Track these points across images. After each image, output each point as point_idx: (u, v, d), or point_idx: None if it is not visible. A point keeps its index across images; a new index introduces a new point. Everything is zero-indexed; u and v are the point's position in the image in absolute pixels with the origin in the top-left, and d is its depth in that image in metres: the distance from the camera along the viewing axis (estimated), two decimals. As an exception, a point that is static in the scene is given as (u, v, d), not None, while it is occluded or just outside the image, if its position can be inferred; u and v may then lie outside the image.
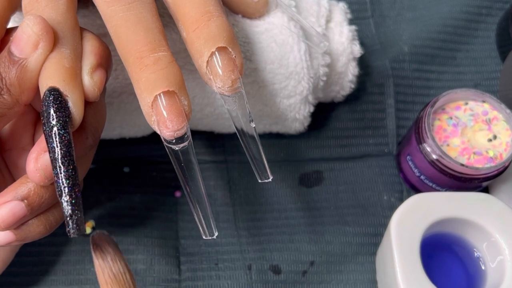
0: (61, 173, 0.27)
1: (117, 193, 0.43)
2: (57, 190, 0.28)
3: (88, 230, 0.42)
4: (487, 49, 0.50)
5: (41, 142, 0.29)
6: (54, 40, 0.28)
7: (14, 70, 0.28)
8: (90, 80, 0.29)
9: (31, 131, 0.35)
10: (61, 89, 0.28)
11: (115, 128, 0.41)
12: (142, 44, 0.28)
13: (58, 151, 0.27)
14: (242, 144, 0.31)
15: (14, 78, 0.28)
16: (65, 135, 0.28)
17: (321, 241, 0.42)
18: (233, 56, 0.29)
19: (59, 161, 0.27)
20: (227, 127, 0.42)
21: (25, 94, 0.29)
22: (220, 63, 0.29)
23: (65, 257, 0.41)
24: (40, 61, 0.28)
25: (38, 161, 0.28)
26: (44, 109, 0.27)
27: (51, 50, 0.28)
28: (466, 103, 0.41)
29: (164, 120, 0.28)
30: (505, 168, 0.39)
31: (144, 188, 0.44)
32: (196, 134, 0.44)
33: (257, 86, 0.38)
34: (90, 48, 0.30)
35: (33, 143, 0.35)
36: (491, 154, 0.40)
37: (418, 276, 0.35)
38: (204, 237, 0.30)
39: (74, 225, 0.27)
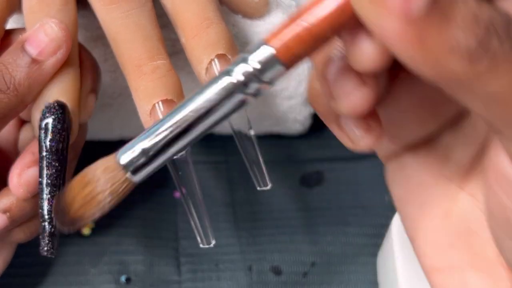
0: (51, 194, 0.28)
1: (117, 193, 0.43)
2: (39, 206, 0.28)
3: (88, 230, 0.41)
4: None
5: (24, 157, 0.29)
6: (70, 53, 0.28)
7: (25, 70, 0.28)
8: (83, 106, 0.29)
9: (15, 136, 0.34)
10: (70, 109, 0.28)
11: (114, 129, 0.41)
12: (140, 52, 0.28)
13: (54, 170, 0.28)
14: (241, 151, 0.31)
15: (25, 78, 0.28)
16: (66, 155, 0.28)
17: (322, 242, 0.42)
18: None
19: (52, 180, 0.28)
20: (227, 128, 0.42)
21: (31, 95, 0.29)
22: (219, 70, 0.29)
23: (64, 258, 0.41)
24: (56, 66, 0.28)
25: (22, 177, 0.29)
26: (51, 122, 0.27)
27: (67, 62, 0.28)
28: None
29: None
30: (508, 169, 0.39)
31: (144, 188, 0.44)
32: (196, 134, 0.44)
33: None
34: (86, 71, 0.30)
35: (15, 148, 0.35)
36: (493, 154, 0.39)
37: (420, 277, 0.35)
38: (201, 246, 0.30)
39: (49, 245, 0.28)
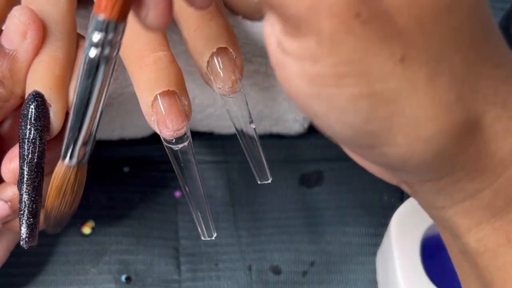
0: (27, 183, 0.28)
1: (117, 193, 0.43)
2: (19, 195, 0.28)
3: (88, 230, 0.42)
4: (488, 49, 0.49)
5: (17, 146, 0.29)
6: (46, 34, 0.28)
7: (5, 62, 0.28)
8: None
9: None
10: (46, 97, 0.28)
11: (115, 129, 0.41)
12: (142, 43, 0.28)
13: (28, 160, 0.28)
14: (242, 145, 0.31)
15: (6, 70, 0.28)
16: (40, 145, 0.28)
17: (321, 242, 0.42)
18: (234, 56, 0.29)
19: (28, 171, 0.28)
20: (227, 128, 0.42)
21: (19, 86, 0.29)
22: (220, 64, 0.29)
23: (64, 258, 0.41)
24: (30, 51, 0.28)
25: (11, 163, 0.29)
26: (24, 112, 0.27)
27: (42, 43, 0.28)
28: (467, 103, 0.41)
29: (164, 120, 0.28)
30: (506, 169, 0.39)
31: (144, 188, 0.44)
32: (196, 134, 0.44)
33: (258, 88, 0.38)
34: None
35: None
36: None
37: (418, 277, 0.35)
38: (202, 238, 0.30)
39: (28, 237, 0.28)
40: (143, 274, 0.40)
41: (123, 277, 0.40)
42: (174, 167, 0.30)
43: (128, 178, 0.44)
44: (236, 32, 0.36)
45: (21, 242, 0.29)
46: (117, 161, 0.44)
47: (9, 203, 0.31)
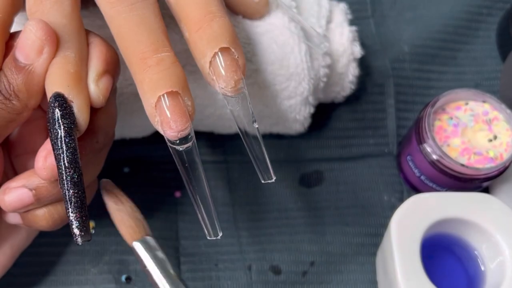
0: (66, 180, 0.28)
1: (117, 193, 0.43)
2: (62, 195, 0.28)
3: (88, 230, 0.41)
4: (488, 49, 0.50)
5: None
6: (59, 43, 0.29)
7: (20, 76, 0.28)
8: (96, 87, 0.29)
9: (44, 136, 0.35)
10: (66, 95, 0.28)
11: (115, 129, 0.41)
12: (145, 44, 0.28)
13: (64, 158, 0.28)
14: (245, 145, 0.31)
15: (22, 84, 0.28)
16: (70, 142, 0.28)
17: (321, 242, 0.42)
18: (236, 56, 0.29)
19: (65, 169, 0.28)
20: (227, 128, 0.42)
21: (33, 99, 0.29)
22: (223, 64, 0.29)
23: (65, 258, 0.41)
24: (46, 65, 0.28)
25: (47, 160, 0.29)
26: (50, 115, 0.28)
27: (56, 53, 0.28)
28: (467, 103, 0.41)
29: (167, 120, 0.28)
30: (506, 169, 0.39)
31: (144, 188, 0.44)
32: (196, 134, 0.44)
33: (258, 87, 0.38)
34: (97, 54, 0.30)
35: None
36: (491, 154, 0.40)
37: (418, 277, 0.35)
38: (208, 238, 0.30)
39: (80, 232, 0.28)
40: (143, 274, 0.40)
41: (123, 277, 0.40)
42: (178, 168, 0.30)
43: (128, 178, 0.44)
44: (236, 32, 0.36)
45: (76, 239, 0.29)
46: (117, 161, 0.44)
47: (33, 191, 0.31)
